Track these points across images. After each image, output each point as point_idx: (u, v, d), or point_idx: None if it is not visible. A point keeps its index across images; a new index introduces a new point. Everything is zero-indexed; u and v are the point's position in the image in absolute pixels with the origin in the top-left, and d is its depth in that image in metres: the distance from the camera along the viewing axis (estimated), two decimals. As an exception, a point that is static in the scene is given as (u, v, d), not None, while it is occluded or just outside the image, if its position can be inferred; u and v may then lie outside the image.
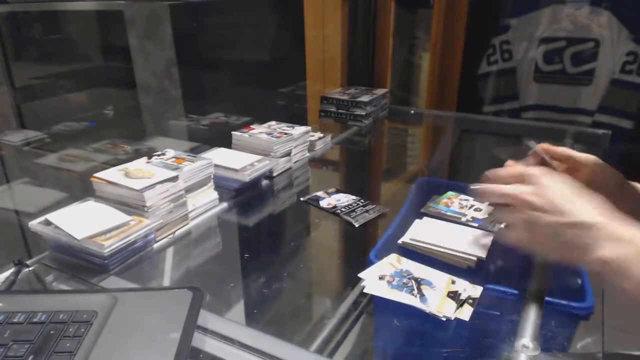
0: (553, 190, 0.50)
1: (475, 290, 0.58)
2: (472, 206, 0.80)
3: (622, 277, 0.44)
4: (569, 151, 0.64)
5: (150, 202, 0.68)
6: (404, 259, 0.64)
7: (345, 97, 1.30)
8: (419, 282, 0.59)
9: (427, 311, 0.54)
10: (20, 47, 2.25)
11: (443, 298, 0.56)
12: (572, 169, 0.63)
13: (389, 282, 0.59)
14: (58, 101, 2.28)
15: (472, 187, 0.58)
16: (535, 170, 0.53)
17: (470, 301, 0.56)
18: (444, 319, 0.53)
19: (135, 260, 0.65)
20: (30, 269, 0.62)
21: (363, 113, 1.27)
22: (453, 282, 0.60)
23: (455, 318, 0.54)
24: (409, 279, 0.60)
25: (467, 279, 0.60)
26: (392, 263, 0.63)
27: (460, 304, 0.56)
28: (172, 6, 1.77)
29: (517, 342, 0.49)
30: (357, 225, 0.78)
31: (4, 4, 2.14)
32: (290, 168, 0.99)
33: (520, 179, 0.54)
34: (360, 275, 0.61)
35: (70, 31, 2.21)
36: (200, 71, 1.97)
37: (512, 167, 0.58)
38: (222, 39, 1.93)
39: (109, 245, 0.60)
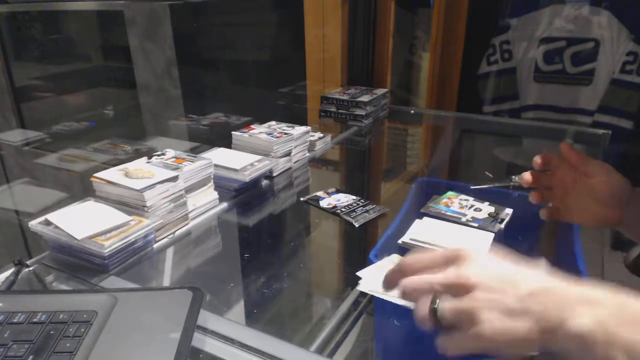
0: (493, 265, 0.41)
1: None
2: (472, 206, 0.80)
3: (607, 345, 0.33)
4: (586, 157, 0.63)
5: (150, 202, 0.68)
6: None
7: (345, 97, 1.30)
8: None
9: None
10: (20, 47, 2.25)
11: None
12: (584, 174, 0.63)
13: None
14: (58, 101, 2.28)
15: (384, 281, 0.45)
16: (461, 250, 0.42)
17: None
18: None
19: (135, 260, 0.65)
20: (30, 269, 0.62)
21: (363, 113, 1.27)
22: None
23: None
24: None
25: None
26: (394, 262, 0.64)
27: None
28: (172, 6, 1.77)
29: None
30: (357, 225, 0.78)
31: (4, 4, 2.14)
32: (290, 168, 0.99)
33: (446, 262, 0.42)
34: (359, 273, 0.61)
35: (70, 31, 2.21)
36: (200, 71, 1.97)
37: (427, 255, 0.43)
38: (222, 39, 1.93)
39: (109, 245, 0.60)
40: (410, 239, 0.69)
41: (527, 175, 0.67)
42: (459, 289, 0.40)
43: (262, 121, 1.06)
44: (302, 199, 0.88)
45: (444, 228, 0.74)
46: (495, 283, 0.39)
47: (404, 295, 0.43)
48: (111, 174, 0.72)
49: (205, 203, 0.79)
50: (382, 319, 0.62)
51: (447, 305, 0.40)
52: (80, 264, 0.62)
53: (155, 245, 0.69)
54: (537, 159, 0.66)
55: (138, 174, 0.71)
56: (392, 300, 0.56)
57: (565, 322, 0.35)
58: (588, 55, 1.54)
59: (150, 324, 0.45)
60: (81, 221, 0.64)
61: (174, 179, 0.72)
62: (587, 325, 0.34)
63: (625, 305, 0.35)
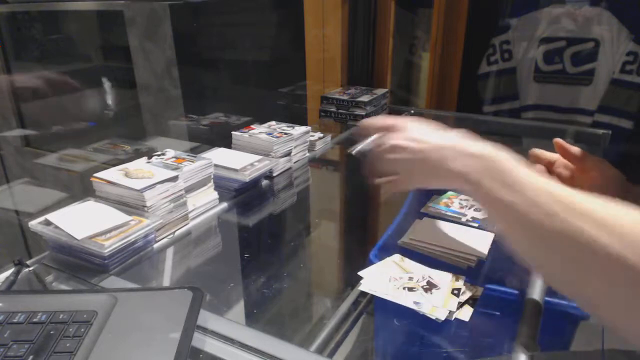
0: (416, 130, 0.59)
1: (476, 291, 0.58)
2: (472, 206, 0.80)
3: (475, 189, 0.49)
4: (583, 152, 0.64)
5: (150, 202, 0.68)
6: (407, 259, 0.64)
7: (345, 97, 1.30)
8: (421, 281, 0.59)
9: (421, 312, 0.54)
10: (20, 47, 2.25)
11: (447, 296, 0.57)
12: (581, 169, 0.63)
13: (389, 282, 0.59)
14: (58, 101, 2.28)
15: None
16: (398, 120, 0.62)
17: (471, 301, 0.56)
18: (438, 320, 0.53)
19: (135, 260, 0.65)
20: (30, 269, 0.62)
21: (363, 113, 1.27)
22: (457, 280, 0.60)
23: (455, 318, 0.54)
24: (410, 278, 0.60)
25: (467, 279, 0.60)
26: (395, 262, 0.64)
27: (461, 304, 0.56)
28: (172, 6, 1.77)
29: (517, 342, 0.49)
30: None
31: (4, 4, 2.14)
32: (290, 168, 0.99)
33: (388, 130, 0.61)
34: (360, 273, 0.61)
35: (70, 31, 2.21)
36: (200, 71, 1.97)
37: (381, 119, 0.65)
38: (222, 39, 1.93)
39: (109, 245, 0.60)
40: (410, 239, 0.69)
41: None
42: (392, 129, 0.60)
43: (262, 121, 1.06)
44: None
45: (444, 228, 0.74)
46: (416, 131, 0.58)
47: (360, 131, 0.65)
48: (111, 174, 0.72)
49: (205, 203, 0.79)
50: (382, 319, 0.62)
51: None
52: (80, 264, 0.62)
53: (155, 245, 0.69)
54: (534, 154, 0.67)
55: (138, 174, 0.71)
56: (393, 300, 0.56)
57: (444, 168, 0.53)
58: (588, 55, 1.54)
59: (150, 324, 0.45)
60: (81, 221, 0.64)
61: (174, 179, 0.72)
62: (458, 169, 0.51)
63: (496, 163, 0.48)
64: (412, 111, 1.50)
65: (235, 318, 0.58)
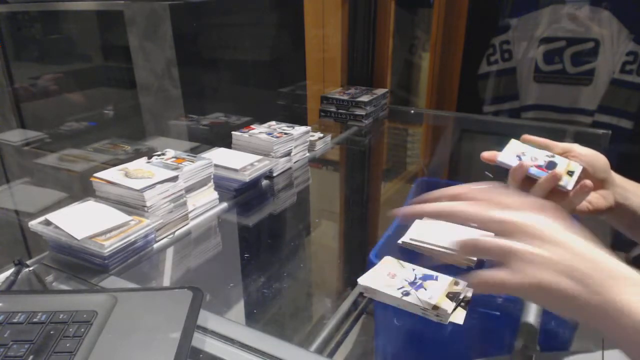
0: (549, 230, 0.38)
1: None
2: (472, 206, 0.80)
3: None
4: (550, 142, 0.62)
5: (150, 202, 0.68)
6: (407, 259, 0.64)
7: (345, 97, 1.30)
8: (421, 280, 0.59)
9: (421, 312, 0.54)
10: (20, 47, 2.25)
11: (442, 297, 0.56)
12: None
13: (389, 281, 0.59)
14: (58, 101, 2.28)
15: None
16: (523, 216, 0.40)
17: (463, 304, 0.56)
18: (437, 320, 0.53)
19: (135, 260, 0.65)
20: (30, 269, 0.62)
21: (363, 113, 1.27)
22: (456, 284, 0.59)
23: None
24: (410, 278, 0.60)
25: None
26: (395, 262, 0.64)
27: (454, 307, 0.56)
28: (172, 6, 1.77)
29: (517, 342, 0.49)
30: None
31: (4, 4, 2.14)
32: (290, 168, 0.99)
33: (503, 227, 0.40)
34: (359, 280, 0.61)
35: (70, 31, 2.21)
36: (200, 71, 1.97)
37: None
38: (222, 39, 1.93)
39: (109, 245, 0.60)
40: (410, 239, 0.69)
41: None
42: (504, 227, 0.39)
43: (262, 121, 1.06)
44: None
45: (444, 228, 0.73)
46: (542, 232, 0.38)
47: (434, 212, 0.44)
48: (111, 174, 0.72)
49: (205, 203, 0.79)
50: (382, 319, 0.62)
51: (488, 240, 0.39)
52: (80, 264, 0.62)
53: (155, 245, 0.69)
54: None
55: (138, 174, 0.71)
56: (389, 303, 0.56)
57: (612, 294, 0.33)
58: (588, 55, 1.54)
59: (150, 324, 0.45)
60: (81, 221, 0.64)
61: (174, 179, 0.72)
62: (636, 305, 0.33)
63: None
64: (412, 111, 1.50)
65: (235, 318, 0.58)
